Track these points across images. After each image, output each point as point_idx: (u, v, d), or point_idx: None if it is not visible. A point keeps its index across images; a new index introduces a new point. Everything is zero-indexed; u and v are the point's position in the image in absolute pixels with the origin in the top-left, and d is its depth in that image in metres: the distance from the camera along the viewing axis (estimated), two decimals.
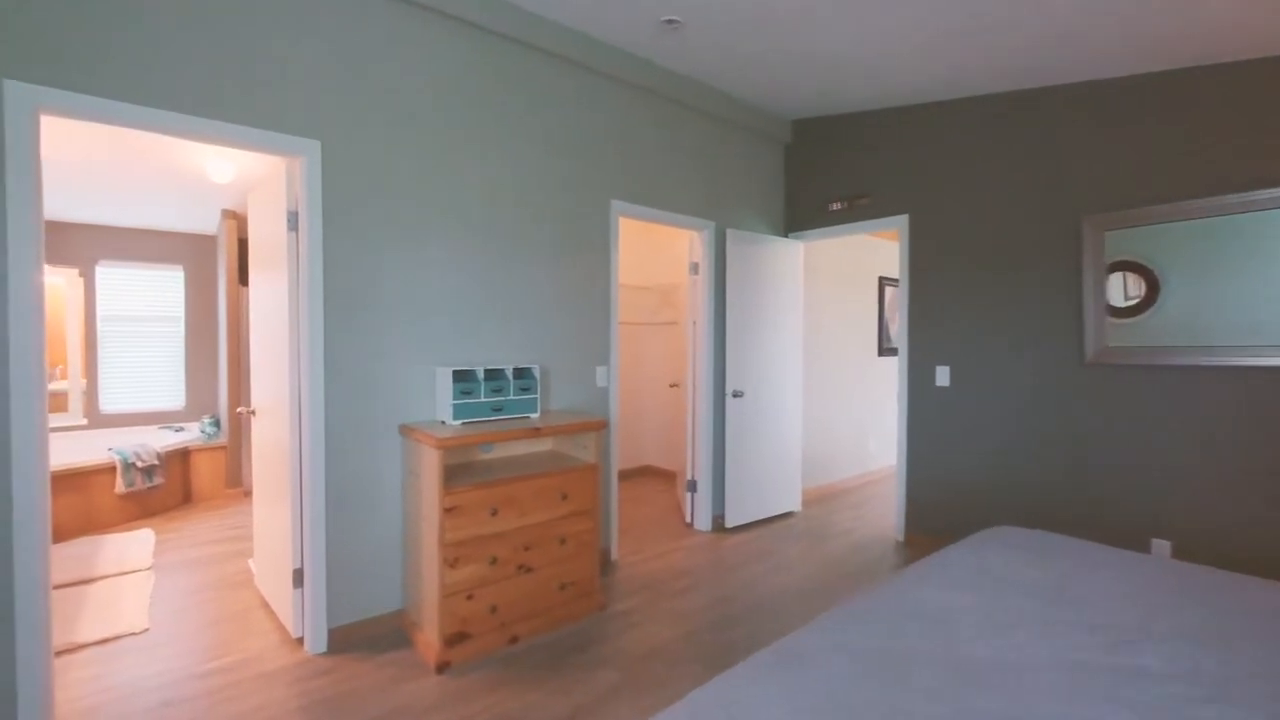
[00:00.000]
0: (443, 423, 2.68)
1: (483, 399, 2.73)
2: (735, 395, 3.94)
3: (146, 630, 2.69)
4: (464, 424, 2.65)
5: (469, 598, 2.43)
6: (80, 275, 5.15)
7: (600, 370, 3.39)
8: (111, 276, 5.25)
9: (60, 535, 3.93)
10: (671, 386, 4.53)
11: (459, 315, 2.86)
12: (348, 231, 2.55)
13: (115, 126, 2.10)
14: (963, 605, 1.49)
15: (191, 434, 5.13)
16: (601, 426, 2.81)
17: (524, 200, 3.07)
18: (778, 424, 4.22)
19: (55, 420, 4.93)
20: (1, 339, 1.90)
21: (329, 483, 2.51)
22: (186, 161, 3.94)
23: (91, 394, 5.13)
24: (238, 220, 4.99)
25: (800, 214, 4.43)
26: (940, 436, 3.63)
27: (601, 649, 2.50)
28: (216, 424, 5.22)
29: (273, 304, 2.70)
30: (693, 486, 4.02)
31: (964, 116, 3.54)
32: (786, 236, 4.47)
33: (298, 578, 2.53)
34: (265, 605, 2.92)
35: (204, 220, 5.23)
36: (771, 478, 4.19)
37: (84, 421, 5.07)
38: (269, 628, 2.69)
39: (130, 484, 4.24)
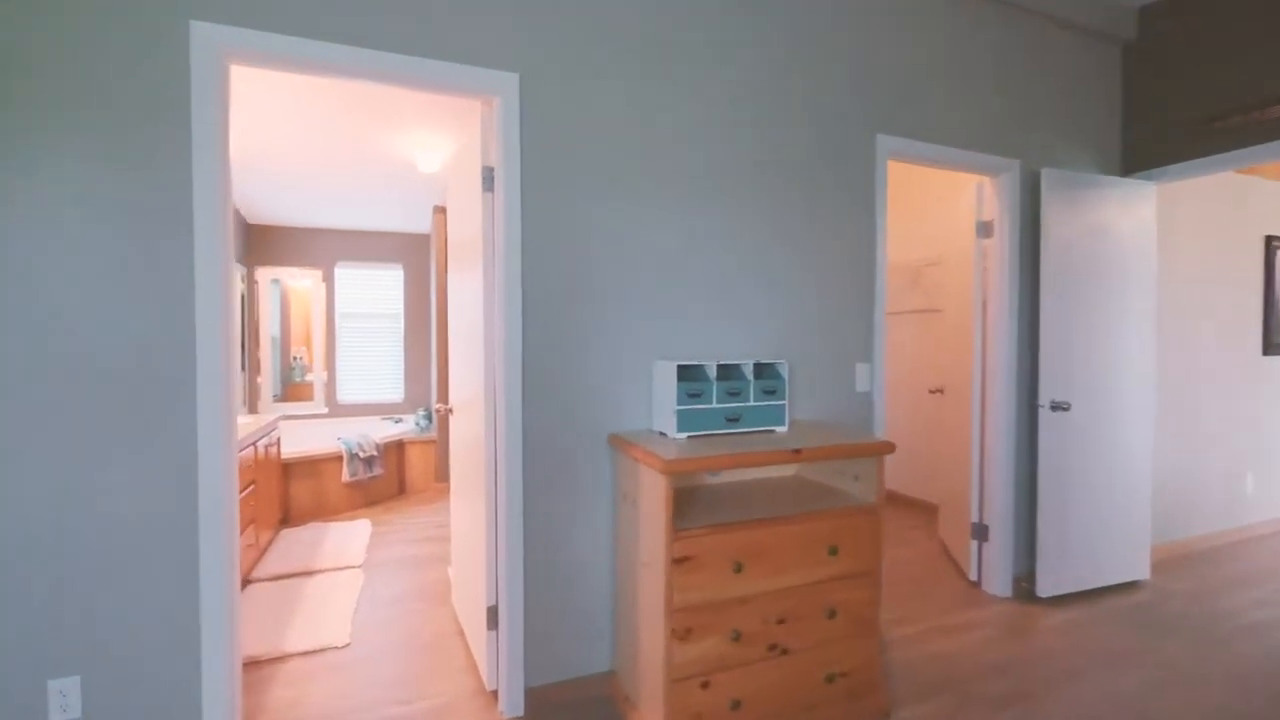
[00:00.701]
0: (662, 435, 2.01)
1: (714, 404, 2.00)
2: (1055, 408, 2.72)
3: (348, 645, 2.45)
4: (690, 438, 1.95)
5: (704, 685, 1.71)
6: (324, 279, 5.61)
7: (861, 369, 2.48)
8: (346, 277, 5.64)
9: (297, 519, 4.13)
10: (932, 393, 3.44)
11: (678, 294, 2.18)
12: (549, 187, 1.99)
13: (299, 74, 1.77)
14: None
15: (407, 426, 5.29)
16: (887, 450, 1.91)
17: (761, 143, 2.29)
18: (1118, 451, 2.88)
19: (303, 409, 5.40)
20: (187, 326, 1.62)
21: (528, 504, 1.98)
22: (399, 154, 3.89)
23: (331, 385, 5.55)
24: (445, 216, 5.01)
25: (1150, 143, 3.02)
26: None
27: None
28: (428, 417, 5.32)
29: (469, 288, 2.28)
30: (981, 533, 2.89)
31: None
32: (1128, 177, 3.08)
33: (492, 617, 2.05)
34: (461, 634, 2.54)
35: (419, 219, 5.37)
36: (1107, 529, 2.87)
37: (325, 410, 5.49)
38: (463, 666, 2.27)
39: (354, 473, 4.36)
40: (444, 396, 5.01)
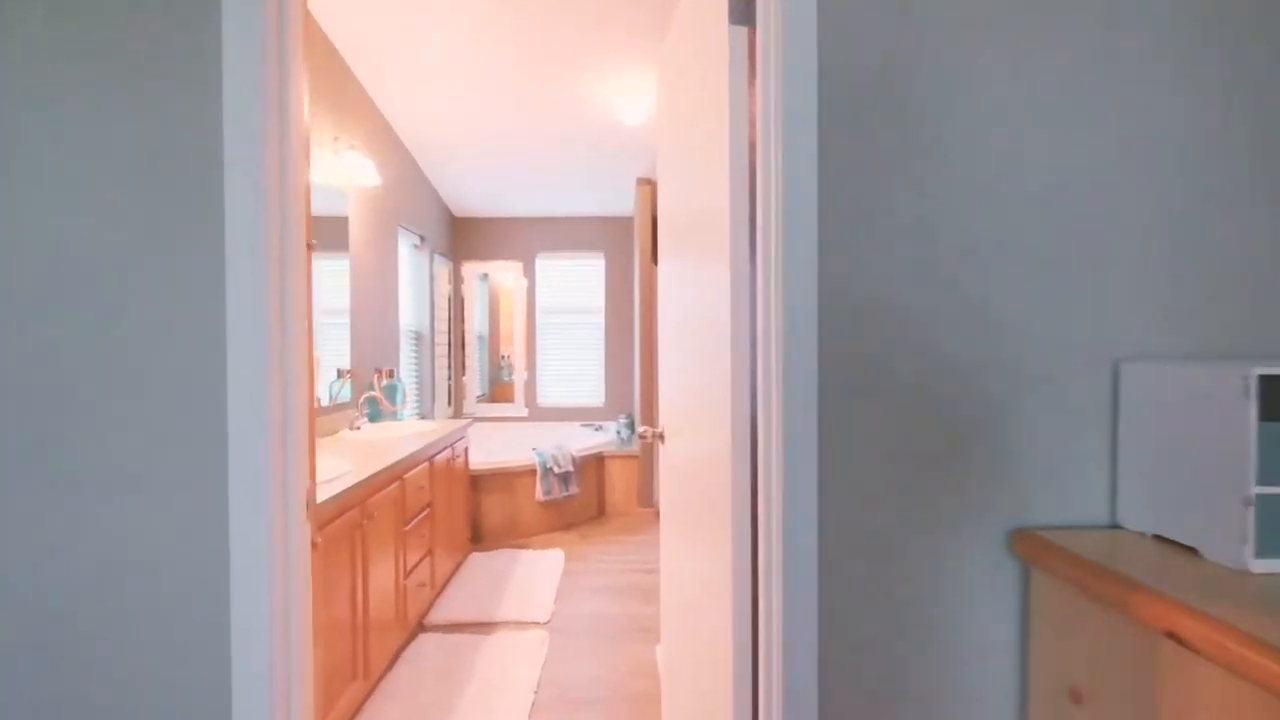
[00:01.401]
0: (1185, 550, 0.78)
1: None
2: None
3: None
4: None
5: None
6: (524, 273, 5.23)
7: None
8: (547, 268, 5.20)
9: (490, 541, 3.64)
10: None
11: (1138, 225, 0.91)
12: (860, 15, 0.90)
13: None
14: None
15: (608, 436, 4.61)
16: None
17: None
18: None
19: (502, 410, 5.07)
20: (216, 324, 0.88)
21: (825, 673, 0.91)
22: (598, 107, 3.17)
23: (531, 386, 5.15)
24: (651, 187, 4.21)
25: None
26: None
27: None
28: (630, 426, 4.59)
29: (691, 264, 1.29)
30: None
31: None
32: None
33: None
34: None
35: (620, 199, 4.69)
36: None
37: (525, 413, 5.10)
38: None
39: (548, 492, 3.75)
40: (649, 414, 4.21)
